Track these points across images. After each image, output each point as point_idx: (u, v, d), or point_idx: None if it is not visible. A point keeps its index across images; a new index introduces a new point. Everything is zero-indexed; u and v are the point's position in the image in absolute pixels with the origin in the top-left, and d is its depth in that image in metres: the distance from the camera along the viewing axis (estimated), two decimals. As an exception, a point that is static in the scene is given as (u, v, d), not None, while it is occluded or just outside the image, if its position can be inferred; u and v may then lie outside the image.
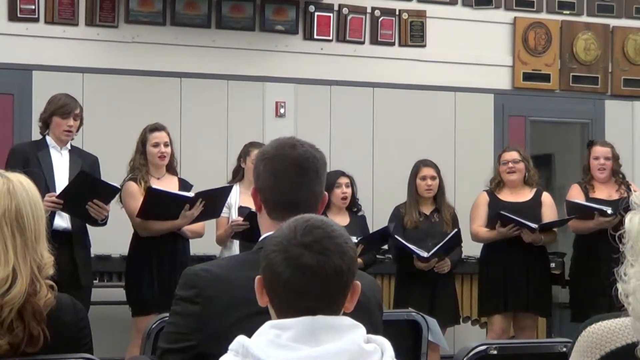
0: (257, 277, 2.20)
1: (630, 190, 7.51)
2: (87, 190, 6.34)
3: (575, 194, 7.70)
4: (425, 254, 7.19)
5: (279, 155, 2.76)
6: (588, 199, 7.61)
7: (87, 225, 6.65)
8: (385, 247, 7.70)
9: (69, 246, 6.45)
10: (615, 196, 7.55)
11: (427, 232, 7.40)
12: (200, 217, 6.79)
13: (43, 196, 5.90)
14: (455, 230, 7.33)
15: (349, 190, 7.37)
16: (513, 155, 7.65)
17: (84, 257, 6.63)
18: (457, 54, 9.44)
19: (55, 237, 6.05)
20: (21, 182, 2.87)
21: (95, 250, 6.97)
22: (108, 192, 6.47)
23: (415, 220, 7.43)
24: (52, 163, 6.56)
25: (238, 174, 7.33)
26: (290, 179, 2.74)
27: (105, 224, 6.56)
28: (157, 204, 6.59)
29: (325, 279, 2.12)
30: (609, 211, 7.28)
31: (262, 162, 2.78)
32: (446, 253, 7.32)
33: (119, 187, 6.64)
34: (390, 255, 7.76)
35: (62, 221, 6.49)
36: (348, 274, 2.16)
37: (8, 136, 8.10)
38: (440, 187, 7.53)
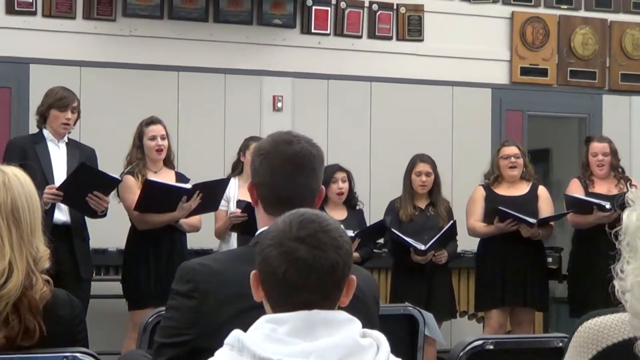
0: (253, 272, 2.20)
1: (630, 185, 7.52)
2: (88, 182, 6.34)
3: (575, 189, 7.70)
4: (422, 247, 7.19)
5: (275, 152, 2.76)
6: (588, 193, 7.61)
7: (85, 219, 6.65)
8: (382, 241, 7.70)
9: (68, 239, 6.46)
10: (614, 191, 7.54)
11: (422, 225, 7.40)
12: (199, 210, 6.78)
13: (41, 189, 5.96)
14: (452, 221, 7.32)
15: (345, 185, 7.36)
16: (514, 150, 7.64)
17: (83, 250, 6.64)
18: (455, 49, 9.43)
19: (55, 230, 6.15)
20: (16, 175, 2.86)
21: (92, 243, 6.95)
22: (108, 184, 6.47)
23: (410, 214, 7.43)
24: (50, 156, 6.56)
25: (237, 168, 7.32)
26: (287, 176, 2.75)
27: (104, 215, 6.56)
28: (155, 196, 6.58)
29: (321, 273, 2.12)
30: (608, 206, 7.27)
31: (259, 158, 2.78)
32: (442, 245, 7.32)
33: (120, 178, 6.64)
34: (386, 250, 7.76)
35: (62, 215, 6.49)
36: (344, 268, 2.16)
37: (5, 129, 8.10)
38: (436, 182, 7.52)
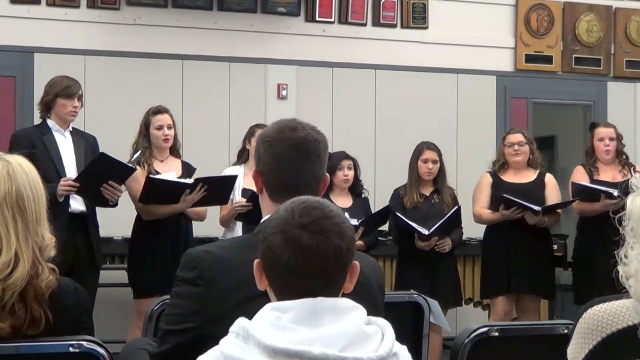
0: (256, 260, 2.20)
1: (634, 172, 7.50)
2: (104, 172, 6.34)
3: (580, 176, 7.69)
4: (426, 232, 7.18)
5: (280, 139, 2.76)
6: (592, 181, 7.60)
7: (96, 207, 6.64)
8: (386, 228, 7.70)
9: (84, 228, 6.48)
10: (619, 178, 7.52)
11: (427, 212, 7.39)
12: (206, 203, 6.78)
13: (54, 181, 6.00)
14: (456, 207, 7.31)
15: (350, 173, 7.36)
16: (518, 137, 7.63)
17: (97, 237, 6.67)
18: (459, 36, 9.42)
19: (72, 220, 6.19)
20: (20, 164, 2.86)
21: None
22: (123, 173, 6.47)
23: (415, 201, 7.42)
24: (58, 146, 6.54)
25: (243, 155, 7.31)
26: (291, 163, 2.74)
27: (116, 205, 6.55)
28: (157, 191, 6.59)
29: (325, 259, 2.12)
30: (615, 193, 7.25)
31: (263, 145, 2.78)
32: (446, 232, 7.32)
33: (135, 167, 6.63)
34: (391, 237, 7.76)
35: (78, 204, 6.48)
36: (347, 254, 2.16)
37: (10, 118, 8.11)
38: (441, 170, 7.51)
